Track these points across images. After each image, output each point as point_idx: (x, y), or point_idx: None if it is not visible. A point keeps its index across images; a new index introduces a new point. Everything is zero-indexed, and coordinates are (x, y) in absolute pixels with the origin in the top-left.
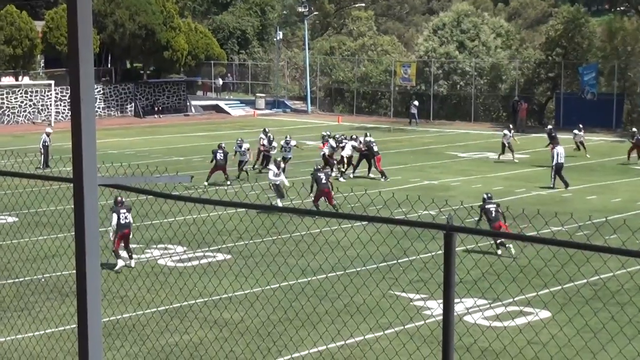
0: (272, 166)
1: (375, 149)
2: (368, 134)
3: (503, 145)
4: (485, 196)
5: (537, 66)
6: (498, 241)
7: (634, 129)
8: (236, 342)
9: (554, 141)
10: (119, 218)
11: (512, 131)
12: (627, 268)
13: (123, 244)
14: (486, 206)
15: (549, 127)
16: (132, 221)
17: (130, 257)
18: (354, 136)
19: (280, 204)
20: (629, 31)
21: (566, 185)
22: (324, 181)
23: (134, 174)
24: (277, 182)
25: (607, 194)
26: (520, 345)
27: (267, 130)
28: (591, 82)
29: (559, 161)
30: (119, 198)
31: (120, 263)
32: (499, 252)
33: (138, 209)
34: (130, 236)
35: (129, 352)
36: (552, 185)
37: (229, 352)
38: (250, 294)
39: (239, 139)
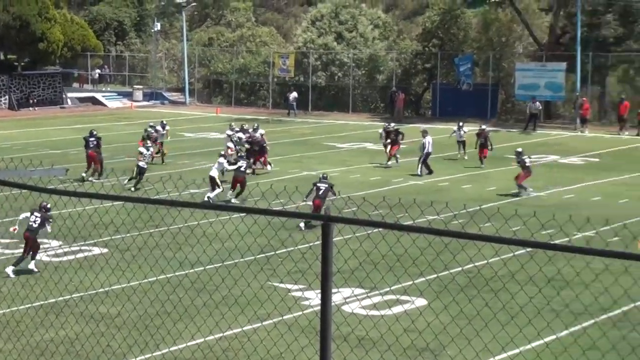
0: (222, 159)
1: (265, 144)
2: (256, 125)
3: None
4: (320, 176)
5: (414, 57)
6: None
7: (483, 126)
8: (113, 337)
9: (395, 143)
10: (28, 218)
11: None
12: (501, 256)
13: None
14: (318, 184)
15: (392, 124)
16: (39, 229)
17: (32, 272)
18: (245, 126)
19: (212, 197)
20: (503, 22)
21: (430, 172)
22: (242, 169)
23: (7, 168)
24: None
25: (482, 183)
26: (397, 333)
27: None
28: (467, 73)
29: (429, 150)
30: (44, 203)
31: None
32: (302, 225)
33: (12, 203)
34: (36, 246)
35: (3, 349)
36: (419, 173)
37: (105, 347)
38: (127, 288)
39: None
